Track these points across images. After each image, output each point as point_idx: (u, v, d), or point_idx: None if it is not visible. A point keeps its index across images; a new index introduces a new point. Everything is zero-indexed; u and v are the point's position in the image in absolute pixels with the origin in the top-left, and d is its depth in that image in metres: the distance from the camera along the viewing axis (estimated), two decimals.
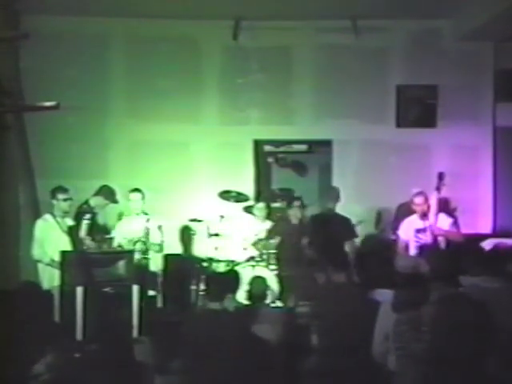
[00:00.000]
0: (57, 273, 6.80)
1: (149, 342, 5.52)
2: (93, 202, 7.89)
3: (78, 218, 7.48)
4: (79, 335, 6.19)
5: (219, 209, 8.53)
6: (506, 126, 9.37)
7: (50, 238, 7.31)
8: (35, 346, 4.29)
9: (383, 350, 4.67)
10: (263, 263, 7.92)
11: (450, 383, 2.92)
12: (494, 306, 3.18)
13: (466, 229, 8.27)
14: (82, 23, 9.01)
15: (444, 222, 7.45)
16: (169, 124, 9.26)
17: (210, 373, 4.63)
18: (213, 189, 8.78)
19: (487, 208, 9.32)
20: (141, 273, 7.26)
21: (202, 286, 7.35)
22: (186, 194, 9.16)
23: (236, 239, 8.31)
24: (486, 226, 9.23)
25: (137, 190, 7.94)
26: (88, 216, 7.23)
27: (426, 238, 7.27)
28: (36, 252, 7.29)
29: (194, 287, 7.78)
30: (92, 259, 6.82)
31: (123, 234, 7.77)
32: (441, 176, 7.33)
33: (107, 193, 7.97)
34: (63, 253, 6.76)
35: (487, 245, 6.94)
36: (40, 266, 7.32)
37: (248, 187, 9.18)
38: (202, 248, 8.61)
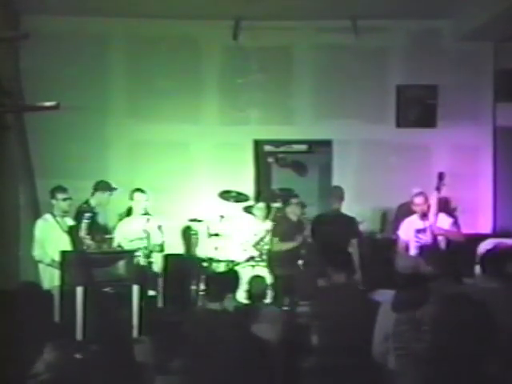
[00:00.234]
0: (57, 273, 6.80)
1: (149, 342, 5.52)
2: (94, 200, 7.88)
3: (78, 217, 7.48)
4: (79, 335, 6.18)
5: (219, 209, 8.54)
6: (506, 125, 9.37)
7: (50, 238, 7.31)
8: (35, 346, 4.29)
9: (383, 349, 4.67)
10: (263, 263, 7.92)
11: (450, 383, 2.92)
12: (494, 306, 3.18)
13: (466, 229, 8.27)
14: (82, 23, 9.01)
15: (444, 221, 7.44)
16: (169, 124, 9.27)
17: (209, 373, 4.63)
18: (213, 189, 8.79)
19: (487, 208, 9.32)
20: (141, 273, 7.26)
21: (202, 286, 7.35)
22: (186, 194, 9.16)
23: (236, 239, 8.31)
24: (486, 226, 9.24)
25: (140, 190, 7.94)
26: (88, 216, 7.23)
27: (426, 238, 7.27)
28: (37, 252, 7.30)
29: (194, 287, 7.77)
30: (92, 259, 6.81)
31: (124, 233, 7.78)
32: (441, 176, 7.33)
33: (104, 186, 7.96)
34: (63, 253, 6.75)
35: (487, 245, 6.94)
36: (41, 266, 7.33)
37: (248, 187, 9.18)
38: (202, 248, 8.62)
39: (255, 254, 8.11)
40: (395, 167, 9.18)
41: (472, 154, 9.34)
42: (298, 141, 9.61)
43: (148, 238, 7.59)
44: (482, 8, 8.23)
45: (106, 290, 6.57)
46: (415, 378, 4.03)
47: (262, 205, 8.49)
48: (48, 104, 6.56)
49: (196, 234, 8.72)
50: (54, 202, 7.42)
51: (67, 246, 7.20)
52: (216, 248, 8.19)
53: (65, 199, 7.40)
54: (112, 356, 4.12)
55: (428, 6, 8.64)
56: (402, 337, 4.45)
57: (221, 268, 7.89)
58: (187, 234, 8.97)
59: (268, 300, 6.54)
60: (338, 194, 8.28)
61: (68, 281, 6.53)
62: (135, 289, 6.64)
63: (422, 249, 7.05)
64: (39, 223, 7.44)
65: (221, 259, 8.05)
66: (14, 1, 8.64)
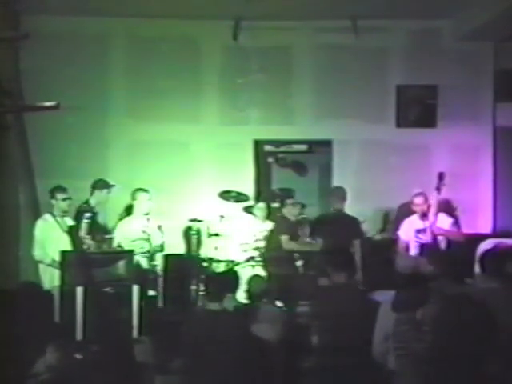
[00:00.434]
0: (57, 273, 6.80)
1: (149, 342, 5.52)
2: (93, 200, 7.88)
3: (77, 217, 7.48)
4: (79, 335, 6.18)
5: (219, 209, 8.54)
6: (506, 125, 9.36)
7: (50, 238, 7.31)
8: (35, 346, 4.29)
9: (383, 349, 4.67)
10: (263, 263, 7.93)
11: (451, 383, 2.92)
12: (494, 306, 3.18)
13: (466, 229, 8.27)
14: (82, 23, 9.00)
15: (444, 221, 7.45)
16: (169, 124, 9.26)
17: (209, 373, 4.63)
18: (213, 189, 8.79)
19: (487, 208, 9.32)
20: (141, 273, 7.27)
21: (202, 286, 7.35)
22: (186, 194, 9.15)
23: (236, 239, 8.31)
24: (486, 226, 9.23)
25: (143, 189, 7.95)
26: (88, 215, 7.23)
27: (426, 238, 7.27)
28: (37, 253, 7.30)
29: (194, 287, 7.77)
30: (92, 259, 6.81)
31: (125, 233, 7.78)
32: (441, 176, 7.33)
33: (102, 184, 7.96)
34: (63, 253, 6.75)
35: (487, 245, 6.94)
36: (41, 266, 7.33)
37: (248, 187, 9.18)
38: (202, 248, 8.62)
39: (255, 254, 8.11)
40: (395, 167, 9.18)
41: (472, 154, 9.34)
42: (298, 141, 9.61)
43: (149, 239, 7.59)
44: (482, 8, 8.23)
45: (105, 289, 6.57)
46: (415, 378, 4.03)
47: (262, 205, 8.50)
48: (48, 104, 6.55)
49: (198, 233, 8.70)
50: (53, 202, 7.42)
51: (67, 246, 7.21)
52: (216, 248, 8.20)
53: (64, 199, 7.40)
54: (112, 356, 4.12)
55: (428, 5, 8.63)
56: (402, 337, 4.45)
57: (221, 268, 7.90)
58: (188, 234, 8.97)
59: (267, 300, 6.52)
60: (340, 194, 8.26)
61: (68, 281, 6.53)
62: (135, 289, 6.64)
63: (422, 249, 7.07)
64: (39, 223, 7.44)
65: (221, 259, 8.05)
66: (14, 1, 8.63)
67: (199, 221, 8.54)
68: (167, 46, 9.27)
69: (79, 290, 6.32)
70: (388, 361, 4.59)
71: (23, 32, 8.29)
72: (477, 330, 2.90)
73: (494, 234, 8.84)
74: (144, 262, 7.62)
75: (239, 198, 8.56)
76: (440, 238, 7.35)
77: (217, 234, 8.34)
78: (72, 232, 7.31)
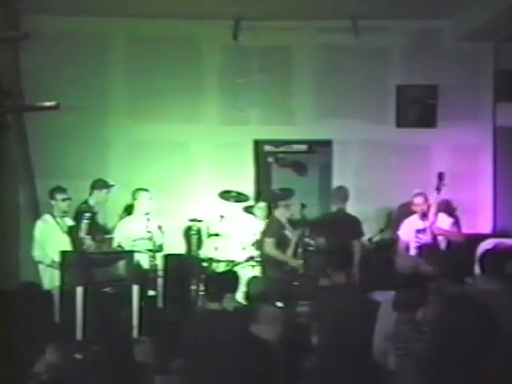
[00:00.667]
0: (57, 273, 6.80)
1: (149, 342, 5.52)
2: (92, 200, 7.88)
3: (77, 217, 7.48)
4: (79, 335, 6.18)
5: (219, 209, 8.54)
6: (506, 125, 9.36)
7: (50, 239, 7.31)
8: (35, 346, 4.29)
9: (383, 349, 4.67)
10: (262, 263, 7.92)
11: (451, 383, 2.92)
12: (494, 306, 3.18)
13: (466, 229, 8.27)
14: (82, 23, 9.00)
15: (444, 222, 7.46)
16: (169, 124, 9.26)
17: (209, 373, 4.63)
18: (213, 189, 8.79)
19: (487, 208, 9.32)
20: (141, 273, 7.27)
21: (202, 286, 7.35)
22: (186, 194, 9.15)
23: (236, 239, 8.30)
24: (486, 226, 9.23)
25: (144, 189, 7.95)
26: (87, 216, 7.23)
27: (427, 238, 7.27)
28: (37, 253, 7.30)
29: (194, 287, 7.77)
30: (92, 259, 6.81)
31: (125, 233, 7.79)
32: (440, 176, 7.34)
33: (102, 184, 7.96)
34: (63, 253, 6.75)
35: (487, 245, 6.94)
36: (41, 266, 7.33)
37: (248, 187, 9.18)
38: (202, 248, 8.62)
39: (255, 254, 8.11)
40: (395, 167, 9.17)
41: (472, 154, 9.33)
42: (298, 141, 9.60)
43: (151, 239, 7.60)
44: (482, 8, 8.23)
45: (106, 289, 6.57)
46: (415, 378, 4.03)
47: (262, 204, 8.50)
48: (48, 104, 6.55)
49: (198, 233, 8.70)
50: (53, 202, 7.43)
51: (67, 246, 7.21)
52: (216, 248, 8.20)
53: (64, 200, 7.40)
54: (112, 356, 4.12)
55: (428, 5, 8.63)
56: (402, 337, 4.45)
57: (221, 268, 7.90)
58: (188, 234, 8.96)
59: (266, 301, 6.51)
60: (342, 194, 8.26)
61: (68, 281, 6.53)
62: (135, 289, 6.64)
63: (422, 249, 7.07)
64: (39, 224, 7.44)
65: (221, 259, 8.05)
66: (14, 1, 8.63)
67: (199, 221, 8.54)
68: (167, 46, 9.26)
69: (79, 290, 6.32)
70: (388, 361, 4.59)
71: (23, 32, 8.29)
72: (477, 330, 2.90)
73: (494, 233, 8.84)
74: (145, 262, 7.62)
75: (239, 197, 8.56)
76: (440, 238, 7.36)
77: (217, 234, 8.35)
78: (72, 232, 7.31)
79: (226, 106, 9.38)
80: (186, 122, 9.32)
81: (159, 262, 7.73)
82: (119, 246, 7.64)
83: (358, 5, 8.57)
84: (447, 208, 8.09)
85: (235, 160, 9.36)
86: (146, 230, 7.61)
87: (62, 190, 7.46)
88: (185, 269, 7.96)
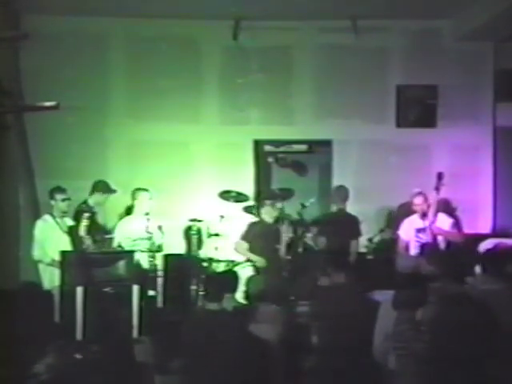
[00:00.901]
0: (57, 273, 6.80)
1: (149, 342, 5.52)
2: (92, 200, 7.88)
3: (77, 217, 7.48)
4: (79, 335, 6.18)
5: (219, 209, 8.53)
6: (506, 125, 9.37)
7: (50, 239, 7.32)
8: (35, 346, 4.29)
9: (383, 349, 4.67)
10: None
11: (451, 383, 2.92)
12: (495, 306, 3.17)
13: (466, 229, 8.27)
14: (82, 23, 9.00)
15: (444, 222, 7.45)
16: (169, 124, 9.26)
17: (209, 373, 4.63)
18: (213, 189, 8.79)
19: (487, 208, 9.32)
20: (141, 273, 7.27)
21: (202, 286, 7.34)
22: (186, 193, 9.15)
23: (236, 239, 8.29)
24: (486, 226, 9.23)
25: (144, 189, 7.95)
26: (87, 215, 7.22)
27: (427, 238, 7.27)
28: (37, 253, 7.30)
29: (193, 287, 7.77)
30: (92, 259, 6.82)
31: (125, 233, 7.79)
32: (440, 176, 7.34)
33: (103, 187, 7.97)
34: (63, 253, 6.76)
35: (487, 245, 6.95)
36: (41, 266, 7.33)
37: (248, 187, 9.18)
38: (202, 248, 8.62)
39: None
40: (395, 167, 9.18)
41: (472, 153, 9.34)
42: (298, 141, 9.61)
43: (151, 239, 7.60)
44: (482, 8, 8.23)
45: (106, 289, 6.57)
46: (415, 378, 4.03)
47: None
48: (48, 104, 6.55)
49: (198, 233, 8.69)
50: (52, 202, 7.43)
51: (67, 246, 7.21)
52: (216, 248, 8.20)
53: (63, 200, 7.41)
54: (112, 356, 4.11)
55: (428, 5, 8.63)
56: (402, 337, 4.45)
57: (220, 268, 7.89)
58: (188, 234, 8.96)
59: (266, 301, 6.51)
60: (342, 193, 8.26)
61: (68, 281, 6.53)
62: (135, 289, 6.64)
63: (423, 248, 7.07)
64: (39, 224, 7.44)
65: (221, 259, 8.05)
66: (14, 1, 8.63)
67: (199, 221, 8.54)
68: (167, 46, 9.26)
69: (79, 290, 6.32)
70: (388, 361, 4.59)
71: (23, 32, 8.29)
72: (477, 330, 2.89)
73: (494, 234, 8.84)
74: (145, 262, 7.62)
75: (239, 197, 8.56)
76: (440, 238, 7.36)
77: (217, 234, 8.34)
78: (72, 232, 7.31)
79: (226, 105, 9.39)
80: (186, 122, 9.33)
81: (159, 261, 7.73)
82: (119, 246, 7.64)
83: (358, 5, 8.57)
84: (447, 208, 8.09)
85: (235, 160, 9.36)
86: (146, 230, 7.60)
87: (61, 190, 7.46)
88: (185, 269, 7.97)
